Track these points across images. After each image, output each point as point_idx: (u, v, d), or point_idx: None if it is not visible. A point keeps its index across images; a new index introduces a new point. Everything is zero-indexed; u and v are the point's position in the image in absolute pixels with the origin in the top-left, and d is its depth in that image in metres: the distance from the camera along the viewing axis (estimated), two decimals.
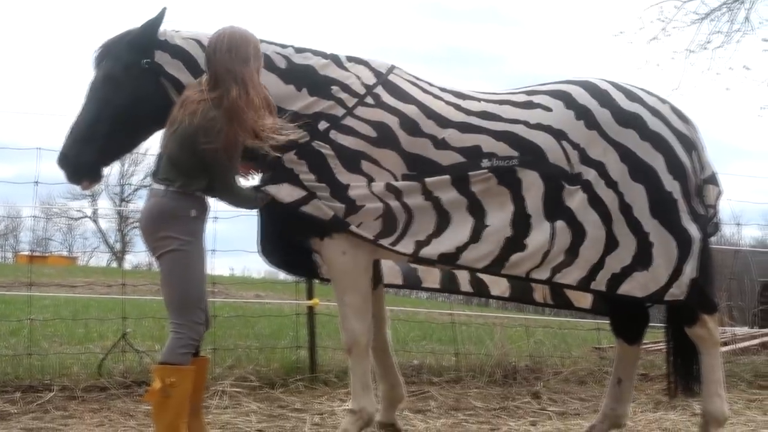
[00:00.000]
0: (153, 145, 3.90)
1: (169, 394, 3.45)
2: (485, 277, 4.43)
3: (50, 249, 42.79)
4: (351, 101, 3.81)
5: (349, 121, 3.78)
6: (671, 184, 3.79)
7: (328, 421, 4.88)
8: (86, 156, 3.70)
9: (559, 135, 3.78)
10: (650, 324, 4.37)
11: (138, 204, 36.61)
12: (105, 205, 43.46)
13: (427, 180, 3.75)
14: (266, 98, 3.60)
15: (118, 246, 43.46)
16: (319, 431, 4.66)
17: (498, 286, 4.48)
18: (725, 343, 7.33)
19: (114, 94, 3.70)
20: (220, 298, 12.49)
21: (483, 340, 7.45)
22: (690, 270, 3.80)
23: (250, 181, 3.89)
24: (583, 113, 3.82)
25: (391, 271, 4.47)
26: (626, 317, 4.26)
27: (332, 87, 3.82)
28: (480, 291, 4.56)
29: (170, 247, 3.52)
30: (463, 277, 4.48)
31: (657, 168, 3.78)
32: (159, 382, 3.46)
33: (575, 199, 3.76)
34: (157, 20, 3.77)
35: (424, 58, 61.34)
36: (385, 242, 3.79)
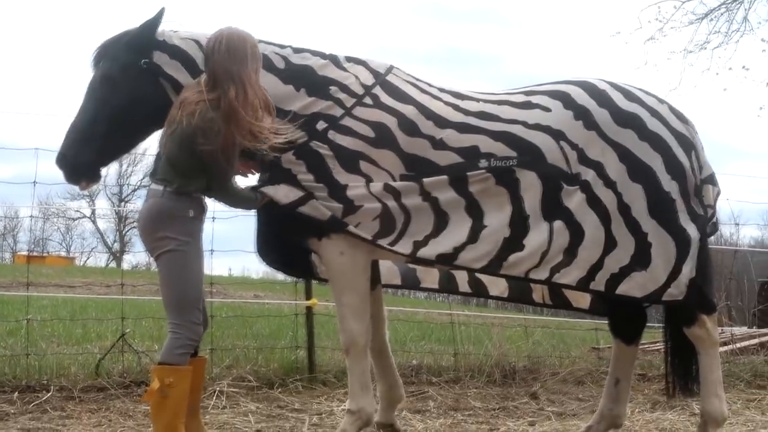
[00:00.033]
0: (151, 145, 3.92)
1: (167, 395, 3.46)
2: (484, 278, 4.42)
3: (48, 249, 42.82)
4: (349, 101, 3.80)
5: (347, 122, 3.77)
6: (670, 184, 3.79)
7: (326, 421, 4.88)
8: (85, 156, 3.71)
9: (557, 135, 3.78)
10: (648, 324, 4.37)
11: (136, 204, 36.63)
12: (103, 205, 43.48)
13: (425, 180, 3.75)
14: (265, 99, 3.60)
15: (116, 246, 43.42)
16: (317, 431, 4.67)
17: (497, 286, 4.48)
18: (724, 343, 7.34)
19: (112, 95, 3.71)
20: (219, 298, 12.50)
21: (482, 341, 7.45)
22: (688, 270, 3.80)
23: (249, 180, 3.89)
24: (581, 113, 3.82)
25: (389, 271, 4.46)
26: (624, 317, 4.26)
27: (331, 87, 3.82)
28: (479, 291, 4.55)
29: (168, 248, 3.52)
30: (461, 278, 4.47)
31: (655, 168, 3.78)
32: (157, 382, 3.47)
33: (574, 200, 3.76)
34: (156, 20, 3.77)
35: (423, 58, 61.32)
36: (383, 242, 3.78)
